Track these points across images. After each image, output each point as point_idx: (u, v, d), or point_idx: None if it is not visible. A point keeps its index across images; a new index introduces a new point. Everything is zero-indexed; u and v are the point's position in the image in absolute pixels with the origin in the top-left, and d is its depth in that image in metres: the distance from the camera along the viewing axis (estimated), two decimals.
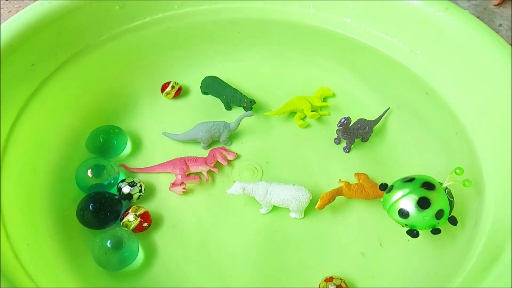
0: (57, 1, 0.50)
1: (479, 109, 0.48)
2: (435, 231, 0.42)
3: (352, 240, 0.48)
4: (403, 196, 0.41)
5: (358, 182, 0.50)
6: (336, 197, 0.48)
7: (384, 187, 0.45)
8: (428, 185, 0.41)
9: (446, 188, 0.42)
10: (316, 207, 0.47)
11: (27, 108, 0.49)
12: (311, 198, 0.47)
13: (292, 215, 0.49)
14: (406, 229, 0.42)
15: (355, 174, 0.51)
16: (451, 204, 0.42)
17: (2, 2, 0.73)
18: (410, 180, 0.42)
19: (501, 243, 0.39)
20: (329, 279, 0.44)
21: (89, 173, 0.48)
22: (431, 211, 0.40)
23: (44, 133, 0.51)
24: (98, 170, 0.48)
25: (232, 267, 0.46)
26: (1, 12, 0.71)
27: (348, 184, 0.49)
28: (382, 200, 0.44)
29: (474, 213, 0.44)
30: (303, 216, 0.49)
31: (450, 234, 0.47)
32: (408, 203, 0.41)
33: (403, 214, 0.41)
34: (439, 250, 0.46)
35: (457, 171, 0.42)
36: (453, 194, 0.43)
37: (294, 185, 0.47)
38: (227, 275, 0.46)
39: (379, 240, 0.48)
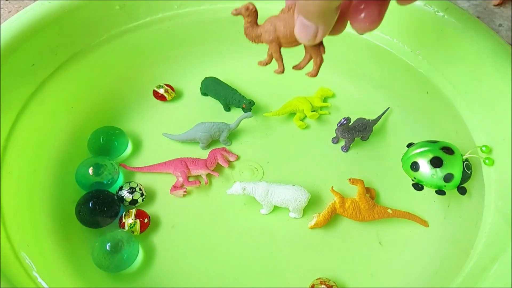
0: (57, 1, 0.50)
1: (479, 108, 0.48)
2: (440, 192, 0.44)
3: (351, 239, 0.48)
4: (421, 152, 0.44)
5: (353, 198, 0.48)
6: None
7: (410, 145, 0.47)
8: (448, 150, 0.43)
9: (466, 159, 0.44)
10: (309, 226, 0.47)
11: (27, 108, 0.49)
12: (309, 197, 0.47)
13: (292, 214, 0.49)
14: (413, 182, 0.45)
15: (350, 179, 0.49)
16: (466, 175, 0.43)
17: (2, 2, 0.73)
18: (434, 142, 0.45)
19: (501, 243, 0.39)
20: None
21: (90, 171, 0.48)
22: (440, 172, 0.42)
23: (44, 134, 0.51)
24: (98, 168, 0.48)
25: (232, 267, 0.46)
26: (1, 12, 0.71)
27: (341, 199, 0.48)
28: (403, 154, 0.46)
29: (474, 212, 0.44)
30: (302, 215, 0.49)
31: (450, 233, 0.47)
32: (422, 159, 0.43)
33: (414, 167, 0.44)
34: (439, 250, 0.46)
35: (483, 148, 0.44)
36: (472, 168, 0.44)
37: (293, 185, 0.48)
38: (227, 275, 0.46)
39: (379, 239, 0.48)
